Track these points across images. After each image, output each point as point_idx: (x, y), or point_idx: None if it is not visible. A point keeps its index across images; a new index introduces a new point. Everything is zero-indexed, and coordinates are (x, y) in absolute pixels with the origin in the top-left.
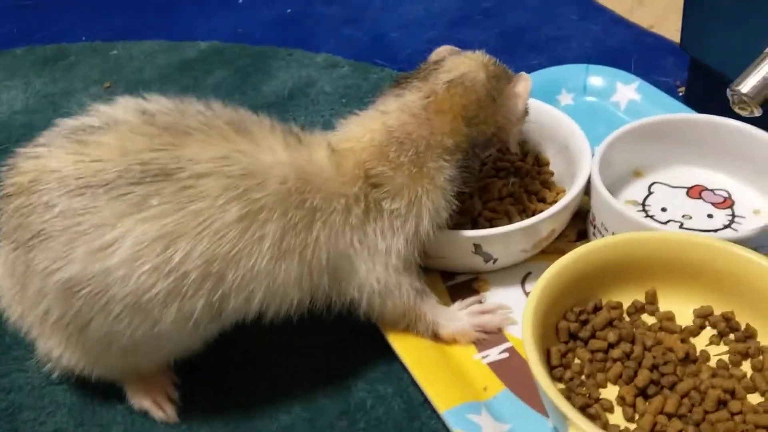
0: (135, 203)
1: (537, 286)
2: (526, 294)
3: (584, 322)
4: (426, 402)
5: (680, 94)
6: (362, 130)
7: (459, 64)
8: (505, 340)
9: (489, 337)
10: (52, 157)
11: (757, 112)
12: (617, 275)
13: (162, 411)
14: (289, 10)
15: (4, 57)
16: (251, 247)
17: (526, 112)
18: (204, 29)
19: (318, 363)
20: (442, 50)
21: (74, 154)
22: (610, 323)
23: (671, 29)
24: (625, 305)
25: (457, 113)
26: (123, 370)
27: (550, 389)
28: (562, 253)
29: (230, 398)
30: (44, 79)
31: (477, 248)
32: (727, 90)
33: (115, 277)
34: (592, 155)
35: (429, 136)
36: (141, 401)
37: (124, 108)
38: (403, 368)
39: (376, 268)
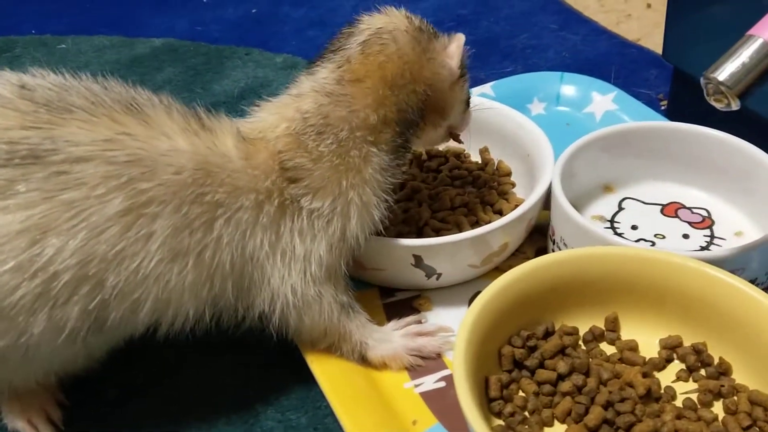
0: None
1: (475, 305)
2: None
3: (532, 349)
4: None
5: (662, 107)
6: (276, 118)
7: (374, 21)
8: (443, 366)
9: (425, 363)
10: None
11: (735, 106)
12: (573, 297)
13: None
14: (254, 10)
15: None
16: (136, 246)
17: (463, 77)
18: (162, 27)
19: (224, 384)
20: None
21: None
22: (561, 351)
23: (658, 43)
24: (582, 331)
25: (376, 76)
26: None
27: (478, 425)
28: None
29: (121, 422)
30: None
31: (418, 260)
32: (701, 79)
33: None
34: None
35: (349, 116)
36: (14, 421)
37: (0, 81)
38: (322, 395)
39: (292, 276)
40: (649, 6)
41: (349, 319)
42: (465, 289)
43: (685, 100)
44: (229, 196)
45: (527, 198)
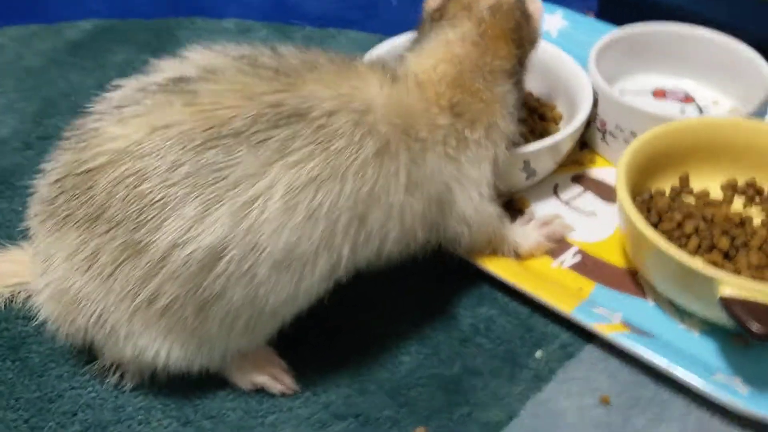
0: (277, 149)
1: (628, 150)
2: (563, 202)
3: (648, 210)
4: (534, 312)
5: None
6: (433, 61)
7: None
8: (569, 245)
9: (556, 245)
10: (152, 113)
11: None
12: (659, 165)
13: (280, 383)
14: None
15: None
16: (388, 182)
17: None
18: (72, 10)
19: (410, 305)
20: None
21: (188, 106)
22: (668, 206)
23: None
24: (667, 191)
25: (507, 36)
26: (229, 352)
27: (682, 256)
28: (577, 162)
29: (343, 356)
30: None
31: (525, 164)
32: None
33: (265, 234)
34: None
35: (491, 62)
36: (254, 379)
37: (214, 55)
38: (496, 289)
39: (473, 199)
40: None
41: (504, 225)
42: (546, 184)
43: (612, 13)
44: (429, 133)
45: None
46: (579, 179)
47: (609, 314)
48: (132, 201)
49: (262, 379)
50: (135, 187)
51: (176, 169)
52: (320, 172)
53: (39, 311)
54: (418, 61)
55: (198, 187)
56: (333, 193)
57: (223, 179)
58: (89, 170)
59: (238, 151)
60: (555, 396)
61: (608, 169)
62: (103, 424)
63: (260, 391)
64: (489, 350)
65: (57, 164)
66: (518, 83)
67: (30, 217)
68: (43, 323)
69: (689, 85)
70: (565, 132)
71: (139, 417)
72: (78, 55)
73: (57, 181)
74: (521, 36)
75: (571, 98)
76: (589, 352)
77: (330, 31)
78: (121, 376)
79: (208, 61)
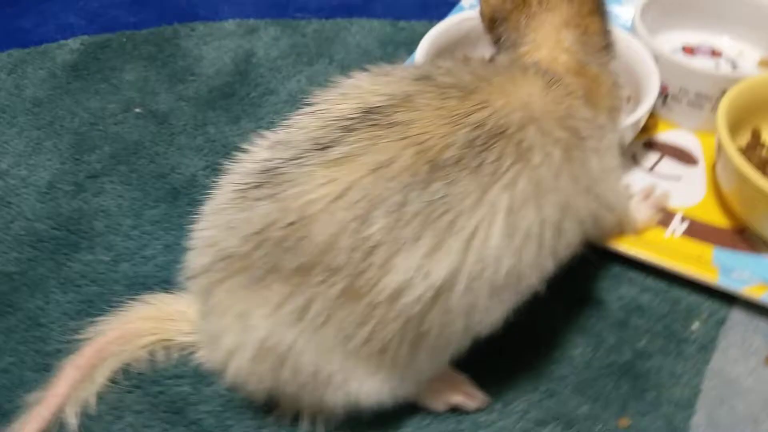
0: (491, 172)
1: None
2: (646, 170)
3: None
4: (671, 285)
5: None
6: (552, 53)
7: None
8: (672, 212)
9: (663, 215)
10: (364, 152)
11: None
12: (737, 122)
13: (473, 399)
14: None
15: None
16: (575, 188)
17: None
18: (47, 31)
19: (554, 300)
20: None
21: (400, 139)
22: (760, 161)
23: None
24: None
25: (596, 12)
26: (429, 377)
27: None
28: (643, 129)
29: (516, 362)
30: None
31: None
32: None
33: (489, 262)
34: None
35: (594, 41)
36: (449, 400)
37: (387, 80)
38: (627, 269)
39: (616, 187)
40: None
41: (629, 207)
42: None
43: None
44: (585, 129)
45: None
46: (652, 146)
47: (749, 277)
48: (356, 247)
49: (458, 399)
50: (359, 232)
51: (403, 208)
52: (529, 190)
53: (223, 371)
54: (536, 55)
55: (428, 224)
56: (541, 210)
57: (449, 211)
58: (301, 219)
59: (461, 180)
60: (723, 364)
61: (675, 132)
62: None
63: (453, 411)
64: (648, 330)
65: (242, 217)
66: (613, 60)
67: (195, 274)
68: (201, 379)
69: (712, 39)
70: (645, 106)
71: None
72: (82, 78)
73: (253, 235)
74: (604, 8)
75: (632, 71)
76: (736, 316)
77: (340, 23)
78: (311, 422)
79: (385, 88)
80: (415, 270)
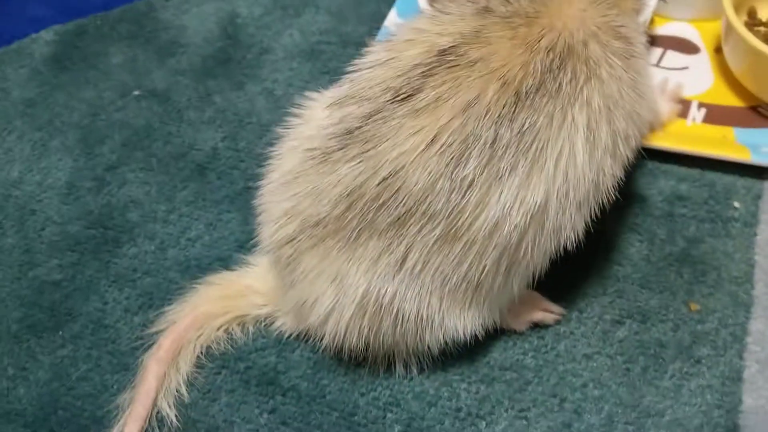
0: (569, 92)
1: None
2: (653, 65)
3: None
4: (703, 171)
5: None
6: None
7: None
8: (688, 102)
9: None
10: (449, 94)
11: None
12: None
13: (553, 313)
14: None
15: None
16: (635, 94)
17: None
18: (14, 27)
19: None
20: None
21: (482, 76)
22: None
23: None
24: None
25: None
26: (512, 301)
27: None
28: None
29: (575, 267)
30: None
31: None
32: None
33: (576, 181)
34: None
35: None
36: (531, 318)
37: (449, 18)
38: (657, 161)
39: (653, 86)
40: None
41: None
42: None
43: None
44: (633, 34)
45: None
46: (653, 41)
47: None
48: (453, 189)
49: (538, 316)
50: (455, 174)
51: (496, 143)
52: (602, 104)
53: (317, 334)
54: None
55: (519, 154)
56: (613, 123)
57: (537, 137)
58: (396, 172)
59: (545, 106)
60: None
61: (672, 25)
62: (416, 413)
63: (533, 328)
64: (694, 216)
65: (328, 180)
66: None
67: (278, 246)
68: (285, 347)
69: None
70: (651, 4)
71: (446, 394)
72: (67, 70)
73: (343, 197)
74: None
75: None
76: None
77: None
78: (404, 366)
79: (451, 27)
80: (513, 200)
